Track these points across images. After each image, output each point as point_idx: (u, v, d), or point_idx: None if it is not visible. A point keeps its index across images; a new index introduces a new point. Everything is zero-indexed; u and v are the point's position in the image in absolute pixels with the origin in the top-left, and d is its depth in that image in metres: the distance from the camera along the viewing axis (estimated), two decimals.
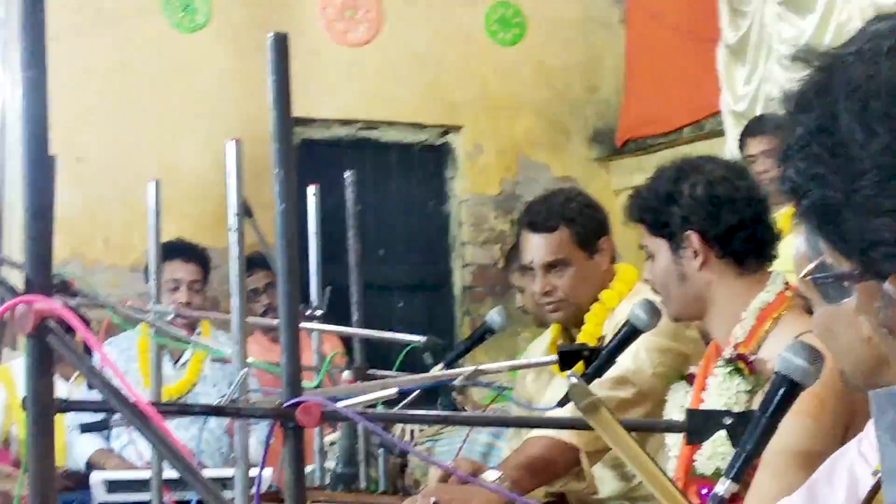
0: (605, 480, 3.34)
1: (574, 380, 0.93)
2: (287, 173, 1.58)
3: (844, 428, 2.35)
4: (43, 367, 1.29)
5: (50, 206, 1.34)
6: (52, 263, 1.34)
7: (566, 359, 2.82)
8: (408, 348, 3.40)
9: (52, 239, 1.34)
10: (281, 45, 1.59)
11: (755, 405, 2.44)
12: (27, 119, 1.32)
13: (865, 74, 1.04)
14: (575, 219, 3.43)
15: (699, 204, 2.60)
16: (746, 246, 2.62)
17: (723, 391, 2.50)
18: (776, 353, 2.47)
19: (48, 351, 1.28)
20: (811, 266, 1.20)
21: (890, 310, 1.07)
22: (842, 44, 1.10)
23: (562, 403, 2.77)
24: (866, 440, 1.91)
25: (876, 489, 1.47)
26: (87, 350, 3.37)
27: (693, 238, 2.61)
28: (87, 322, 5.20)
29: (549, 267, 3.44)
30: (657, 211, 2.64)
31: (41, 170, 1.34)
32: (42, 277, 1.31)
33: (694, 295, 2.64)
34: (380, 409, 2.71)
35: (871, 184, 1.02)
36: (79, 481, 4.33)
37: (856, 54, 1.06)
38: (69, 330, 1.32)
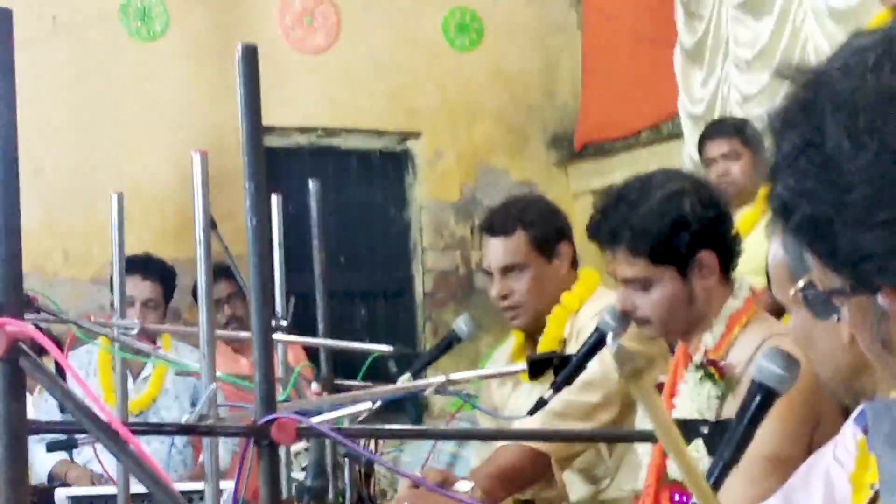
0: (573, 485, 3.34)
1: (615, 344, 0.93)
2: (258, 187, 1.57)
3: (811, 430, 2.37)
4: (16, 391, 1.27)
5: (19, 228, 1.33)
6: (22, 285, 1.32)
7: (535, 367, 2.81)
8: (373, 357, 3.38)
9: (22, 260, 1.33)
10: (251, 57, 1.57)
11: (725, 410, 2.45)
12: None
13: (852, 87, 1.04)
14: (533, 223, 3.43)
15: (706, 223, 2.60)
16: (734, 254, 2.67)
17: (694, 396, 2.50)
18: (744, 357, 2.50)
19: (20, 374, 1.27)
20: (801, 283, 1.19)
21: (883, 324, 1.07)
22: (825, 60, 1.09)
23: (531, 412, 2.77)
24: (841, 445, 1.91)
25: (873, 501, 1.47)
26: (58, 369, 3.33)
27: (707, 257, 2.61)
28: (55, 340, 5.15)
29: (506, 270, 3.44)
30: (667, 240, 2.60)
31: (10, 191, 1.32)
32: (13, 299, 1.29)
33: (697, 313, 2.63)
34: (345, 421, 2.70)
35: (862, 196, 1.01)
36: (42, 497, 4.27)
37: (841, 69, 1.06)
38: (39, 349, 1.31)
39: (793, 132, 1.07)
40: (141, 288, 4.96)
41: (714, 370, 2.49)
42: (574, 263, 3.51)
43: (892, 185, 1.00)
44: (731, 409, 2.39)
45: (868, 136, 1.01)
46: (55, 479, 4.75)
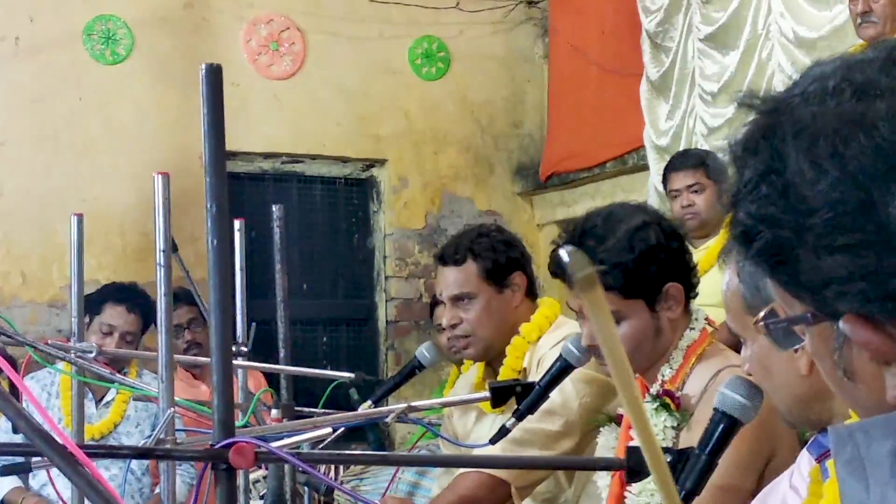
0: None
1: (568, 248, 0.90)
2: (220, 208, 1.54)
3: (766, 461, 2.38)
4: None
5: None
6: None
7: (498, 395, 2.80)
8: (334, 384, 3.36)
9: None
10: (215, 76, 1.55)
11: (682, 440, 2.46)
12: None
13: (812, 113, 1.04)
14: (483, 253, 3.45)
15: (672, 254, 2.62)
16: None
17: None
18: (699, 387, 2.52)
19: None
20: (762, 313, 1.19)
21: (846, 351, 1.06)
22: (786, 88, 1.10)
23: (493, 440, 2.76)
24: (797, 473, 1.91)
25: None
26: (13, 388, 3.27)
27: (674, 290, 2.62)
28: (11, 361, 5.07)
29: (456, 300, 3.45)
30: (638, 272, 2.60)
31: None
32: None
33: (661, 346, 2.64)
34: (305, 447, 2.67)
35: (823, 221, 1.01)
36: None
37: (801, 96, 1.06)
38: None
39: (754, 159, 1.07)
40: (125, 319, 4.89)
41: (670, 400, 2.50)
42: (531, 293, 3.51)
43: (853, 210, 1.00)
44: (687, 440, 2.40)
45: (828, 161, 1.01)
46: None
